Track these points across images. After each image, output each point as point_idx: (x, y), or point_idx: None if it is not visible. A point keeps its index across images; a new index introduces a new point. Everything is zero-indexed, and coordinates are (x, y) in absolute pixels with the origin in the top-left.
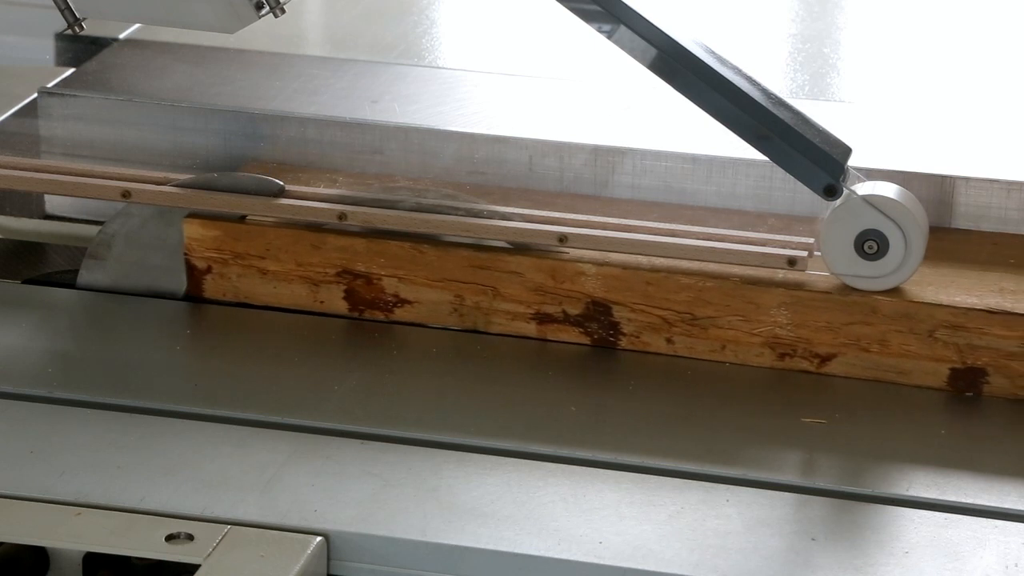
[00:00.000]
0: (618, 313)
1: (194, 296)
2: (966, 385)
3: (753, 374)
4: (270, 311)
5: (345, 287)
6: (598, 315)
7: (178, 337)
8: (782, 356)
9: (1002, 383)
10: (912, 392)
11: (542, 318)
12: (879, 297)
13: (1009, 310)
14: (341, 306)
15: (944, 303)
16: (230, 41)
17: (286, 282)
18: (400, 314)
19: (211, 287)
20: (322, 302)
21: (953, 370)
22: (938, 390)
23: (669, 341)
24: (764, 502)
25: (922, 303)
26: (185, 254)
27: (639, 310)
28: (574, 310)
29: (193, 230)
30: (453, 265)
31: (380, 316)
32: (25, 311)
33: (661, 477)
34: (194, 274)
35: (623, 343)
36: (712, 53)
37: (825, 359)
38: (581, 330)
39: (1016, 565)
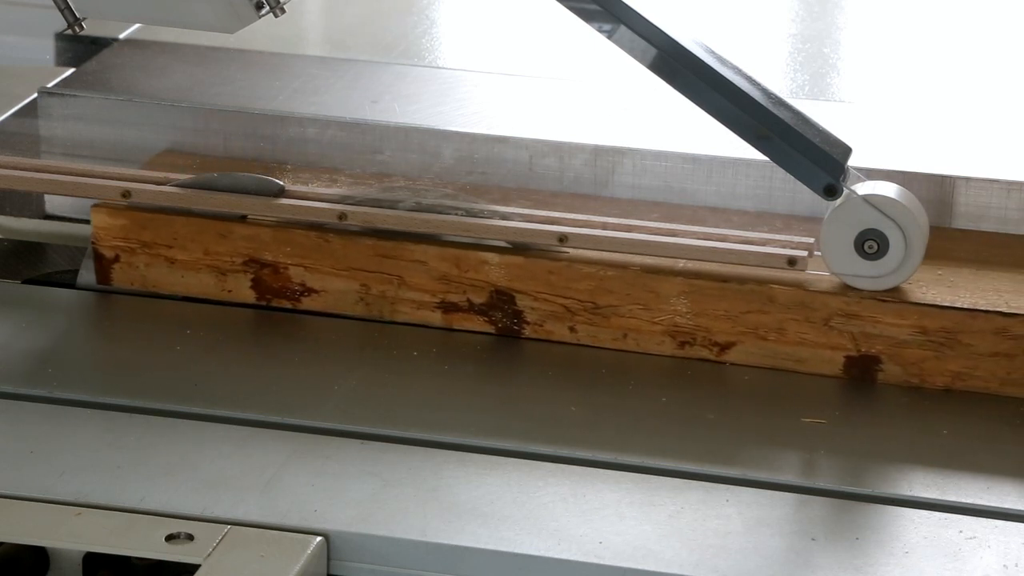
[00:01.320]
0: (521, 302)
1: (102, 285)
2: (861, 373)
3: (654, 363)
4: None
5: (252, 276)
6: (502, 304)
7: (178, 337)
8: (682, 344)
9: (895, 371)
10: (808, 380)
11: (447, 307)
12: (775, 286)
13: (901, 299)
14: (248, 295)
15: (839, 292)
16: (230, 41)
17: (194, 271)
18: (307, 303)
19: (119, 276)
20: (230, 291)
21: (848, 358)
22: (834, 378)
23: (572, 330)
24: (764, 502)
25: (817, 292)
26: (92, 243)
27: (542, 299)
28: (479, 299)
29: (100, 219)
30: (359, 254)
31: (287, 305)
32: (25, 311)
33: (661, 477)
34: (102, 263)
35: (527, 332)
36: (712, 53)
37: (724, 347)
38: (486, 319)
39: (1016, 565)
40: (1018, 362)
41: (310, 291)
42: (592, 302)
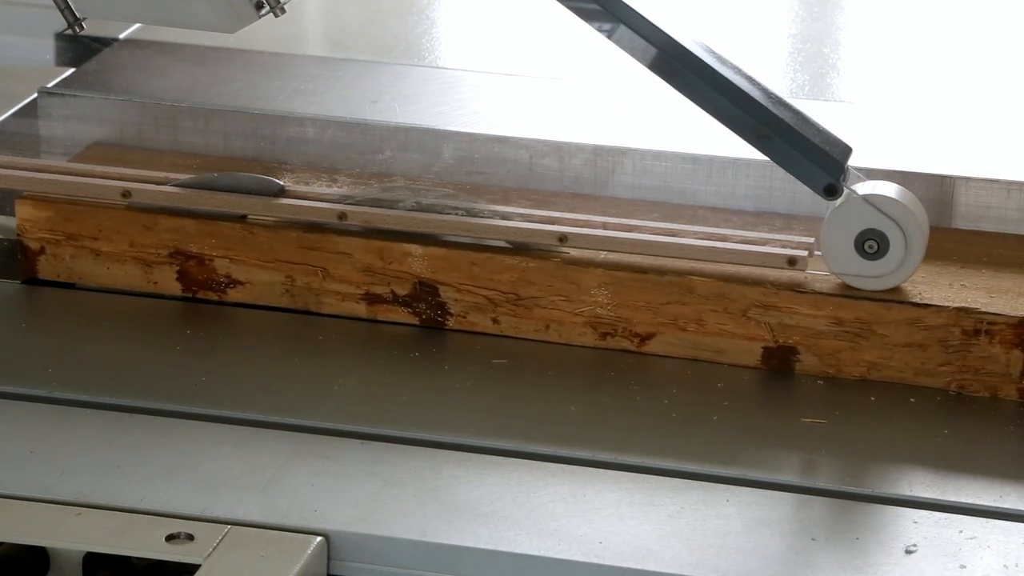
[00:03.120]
0: (445, 293)
1: (29, 277)
2: (779, 363)
3: (577, 353)
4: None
5: (178, 268)
6: (426, 295)
7: (178, 337)
8: (604, 335)
9: (812, 361)
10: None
11: (372, 299)
12: (695, 277)
13: (817, 290)
14: (174, 287)
15: (757, 283)
16: (230, 41)
17: (119, 263)
18: (233, 295)
19: (45, 268)
20: (156, 283)
21: (766, 348)
22: (753, 368)
23: (495, 321)
24: (764, 502)
25: (736, 283)
26: (18, 235)
27: (465, 290)
28: (402, 290)
29: (26, 211)
30: (283, 246)
31: (213, 297)
32: (25, 311)
33: (661, 477)
34: (28, 255)
35: (451, 323)
36: (712, 53)
37: (645, 338)
38: (410, 310)
39: (1016, 565)
40: (931, 352)
41: (235, 283)
42: (514, 293)
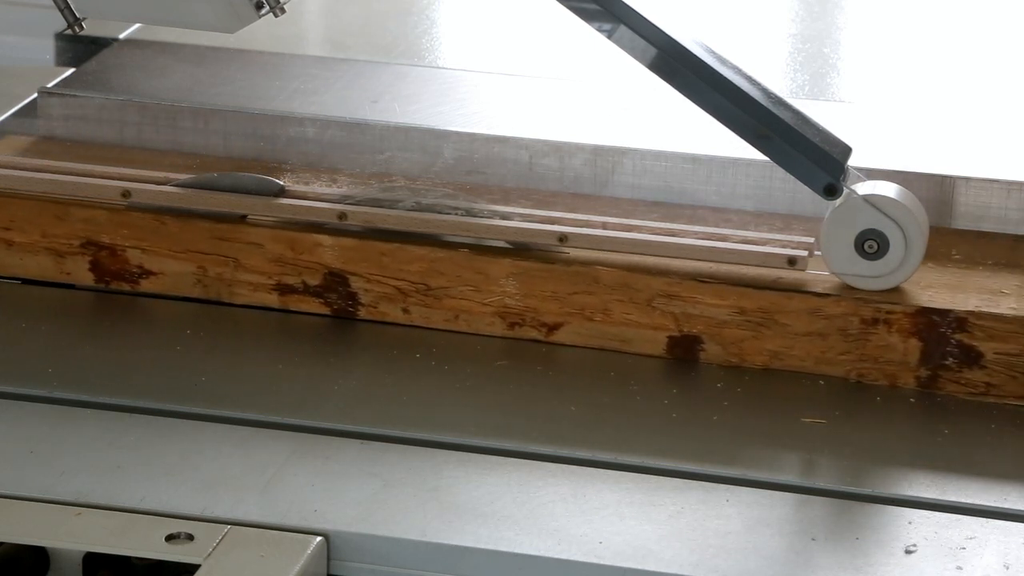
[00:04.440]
0: (355, 284)
1: None
2: (684, 352)
3: (486, 343)
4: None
5: (90, 258)
6: (336, 286)
7: (177, 337)
8: (512, 325)
9: (716, 350)
10: (634, 360)
11: (283, 289)
12: (601, 268)
13: (720, 280)
14: (87, 277)
15: (661, 273)
16: (230, 41)
17: (31, 253)
18: (146, 285)
19: None
20: (68, 273)
21: (671, 338)
22: (659, 357)
23: (405, 311)
24: (764, 502)
25: (640, 273)
26: None
27: (375, 280)
28: (313, 281)
29: None
30: (195, 236)
31: (126, 288)
32: (25, 311)
33: (661, 477)
34: None
35: (362, 313)
36: (712, 53)
37: (553, 328)
38: (321, 300)
39: (1016, 565)
40: (831, 341)
41: (148, 273)
42: (424, 284)
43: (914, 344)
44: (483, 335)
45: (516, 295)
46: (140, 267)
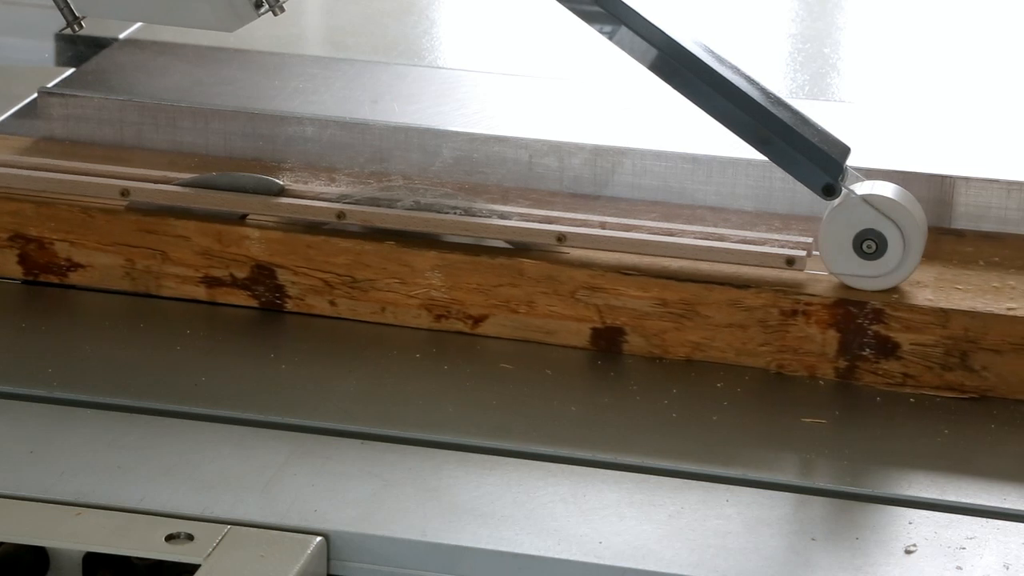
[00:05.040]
0: (282, 276)
1: None
2: (607, 344)
3: (412, 335)
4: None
5: (19, 251)
6: (263, 278)
7: (177, 336)
8: (438, 317)
9: (639, 342)
10: (558, 351)
11: (211, 281)
12: (525, 260)
13: (642, 271)
14: (16, 270)
15: (584, 265)
16: (230, 41)
17: None
18: (74, 278)
19: None
20: None
21: (594, 330)
22: (583, 349)
23: (332, 303)
24: (764, 502)
25: (564, 265)
26: None
27: (302, 273)
28: (241, 273)
29: None
30: (122, 229)
31: (55, 280)
32: (25, 311)
33: (661, 477)
34: None
35: (289, 305)
36: (712, 53)
37: (478, 320)
38: (249, 293)
39: (1015, 565)
40: (751, 333)
41: (76, 266)
42: (350, 276)
43: (832, 335)
44: (410, 327)
45: (442, 288)
46: (68, 260)
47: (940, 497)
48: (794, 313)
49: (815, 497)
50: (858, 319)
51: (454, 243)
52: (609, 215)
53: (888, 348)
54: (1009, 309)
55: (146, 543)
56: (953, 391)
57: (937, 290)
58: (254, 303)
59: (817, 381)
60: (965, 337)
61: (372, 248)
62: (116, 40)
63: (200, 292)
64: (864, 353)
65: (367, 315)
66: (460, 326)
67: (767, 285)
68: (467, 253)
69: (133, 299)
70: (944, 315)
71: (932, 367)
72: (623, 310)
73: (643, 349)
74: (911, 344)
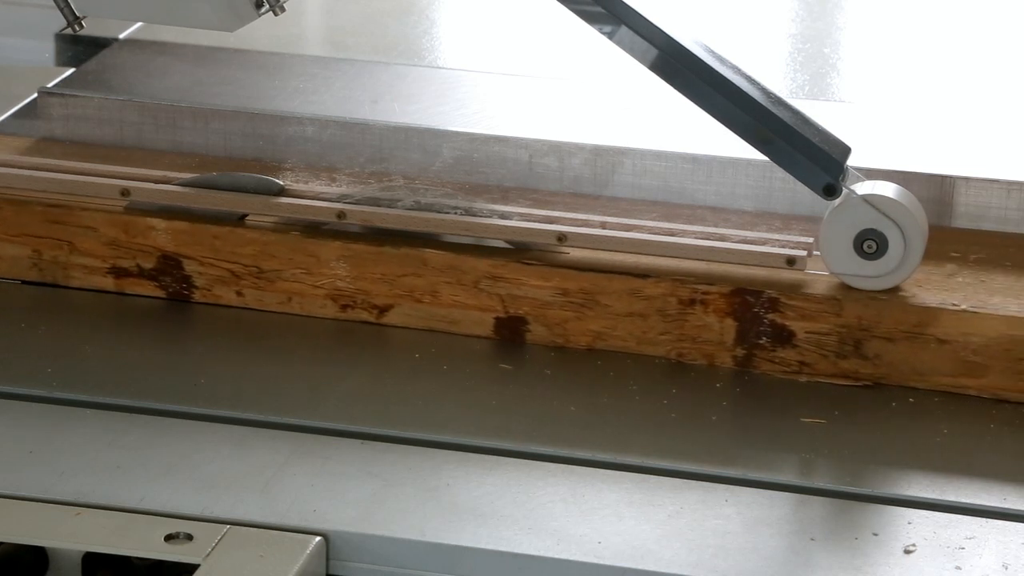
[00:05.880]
0: (189, 267)
1: None
2: (510, 334)
3: (318, 325)
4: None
5: None
6: (170, 269)
7: (176, 336)
8: (344, 307)
9: (541, 331)
10: (464, 341)
11: (118, 272)
12: (428, 250)
13: (544, 261)
14: None
15: (487, 255)
16: (230, 41)
17: None
18: None
19: None
20: None
21: (498, 319)
22: (487, 338)
23: (239, 294)
24: (763, 502)
25: (467, 255)
26: None
27: (208, 263)
28: (147, 264)
29: None
30: (29, 220)
31: None
32: (25, 311)
33: (660, 477)
34: None
35: (196, 296)
36: (712, 53)
37: (383, 310)
38: (156, 284)
39: (1015, 565)
40: (651, 322)
41: None
42: (256, 266)
43: (730, 324)
44: (316, 317)
45: (347, 278)
46: None
47: (939, 497)
48: (692, 302)
49: (814, 497)
50: (754, 308)
51: (358, 233)
52: (609, 215)
53: (784, 336)
54: (903, 297)
55: (145, 543)
56: (848, 379)
57: (832, 279)
58: (161, 293)
59: (717, 369)
60: (859, 325)
61: (278, 239)
62: (116, 40)
63: (108, 283)
64: (761, 342)
65: (274, 305)
66: (366, 316)
67: (665, 274)
68: (371, 243)
69: (133, 299)
70: (838, 304)
71: (827, 355)
72: (525, 299)
73: (545, 338)
74: (806, 332)
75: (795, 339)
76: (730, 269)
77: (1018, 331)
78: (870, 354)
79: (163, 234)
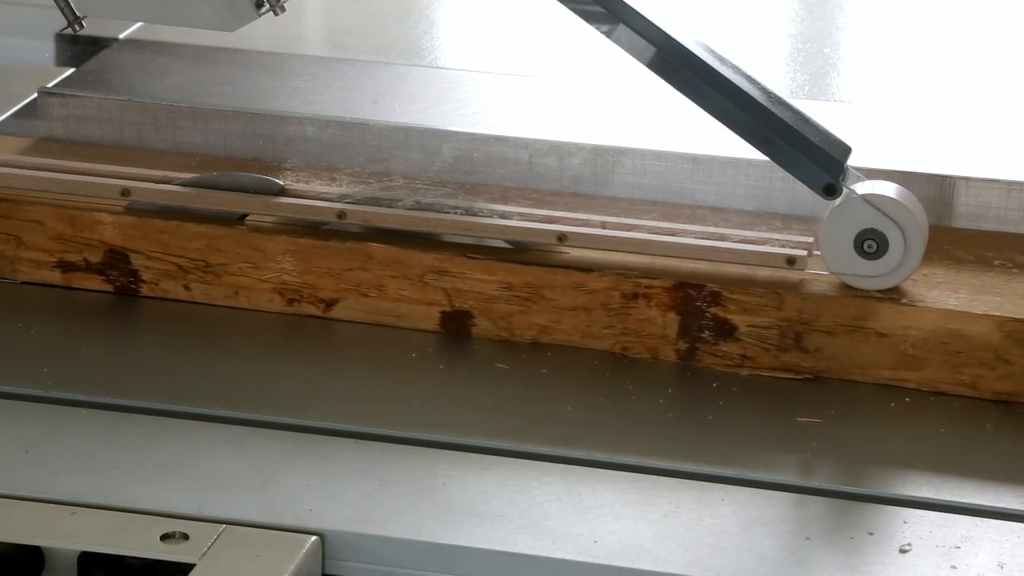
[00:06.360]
0: (136, 261)
1: None
2: (456, 327)
3: (266, 319)
4: None
5: None
6: (117, 263)
7: (173, 336)
8: (291, 301)
9: (487, 325)
10: (409, 335)
11: (65, 266)
12: (374, 244)
13: (489, 256)
14: None
15: (432, 249)
16: (230, 41)
17: None
18: None
19: None
20: None
21: (443, 313)
22: (433, 332)
23: (186, 288)
24: (759, 501)
25: (412, 250)
26: None
27: (155, 257)
28: (95, 258)
29: None
30: None
31: None
32: (22, 311)
33: (656, 477)
34: None
35: (144, 290)
36: (712, 52)
37: (330, 304)
38: (103, 278)
39: (1010, 564)
40: (595, 315)
41: None
42: (203, 260)
43: (672, 318)
44: (264, 311)
45: (293, 272)
46: None
47: (935, 497)
48: (635, 296)
49: (810, 496)
50: (697, 302)
51: (304, 227)
52: (610, 215)
53: (726, 330)
54: (843, 291)
55: (141, 542)
56: (789, 372)
57: (775, 271)
58: (109, 287)
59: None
60: (799, 319)
61: (224, 233)
62: (116, 40)
63: (55, 276)
64: (704, 335)
65: (221, 299)
66: (312, 310)
67: (609, 269)
68: (317, 237)
69: (130, 300)
70: (779, 298)
71: (768, 349)
72: (470, 294)
73: (491, 332)
74: (748, 326)
75: (737, 333)
76: (672, 263)
77: (955, 324)
78: (811, 348)
79: (110, 228)
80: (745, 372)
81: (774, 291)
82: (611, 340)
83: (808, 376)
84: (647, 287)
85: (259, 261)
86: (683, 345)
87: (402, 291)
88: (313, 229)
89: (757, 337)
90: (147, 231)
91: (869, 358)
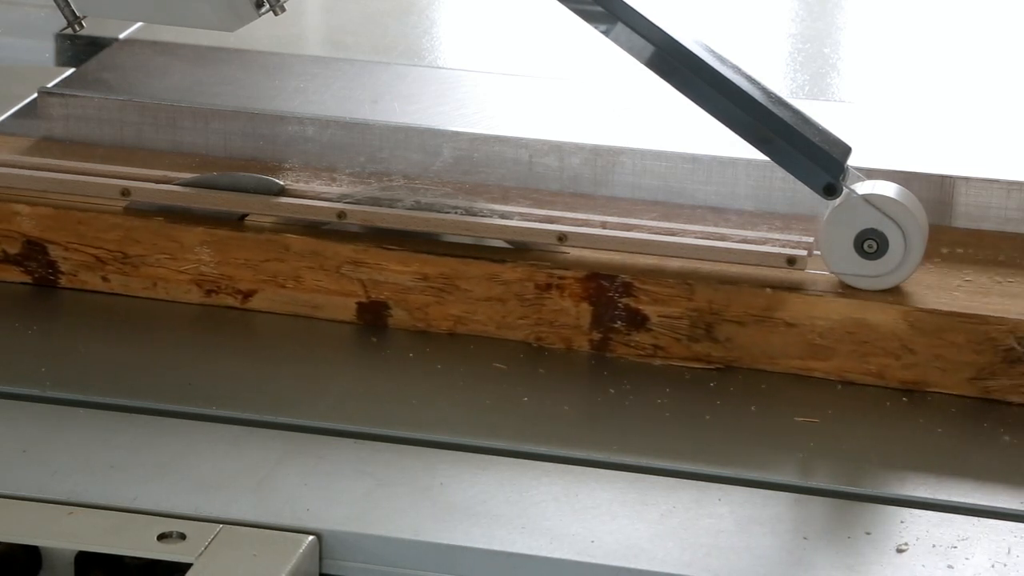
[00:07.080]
0: (54, 252)
1: None
2: (373, 318)
3: (184, 310)
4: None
5: None
6: (35, 254)
7: (171, 336)
8: (209, 293)
9: (403, 316)
10: (327, 326)
11: None
12: (291, 236)
13: (404, 247)
14: None
15: (348, 240)
16: (230, 41)
17: None
18: None
19: None
20: None
21: (360, 304)
22: (351, 323)
23: (105, 279)
24: (756, 501)
25: (328, 240)
26: None
27: (73, 249)
28: (13, 249)
29: None
30: None
31: None
32: (20, 311)
33: (654, 476)
34: None
35: (63, 281)
36: (711, 52)
37: (248, 295)
38: (22, 269)
39: (1007, 564)
40: (510, 306)
41: None
42: (121, 252)
43: (585, 308)
44: (182, 302)
45: (211, 263)
46: None
47: (932, 496)
48: (549, 287)
49: (807, 496)
50: (609, 292)
51: (221, 219)
52: (610, 215)
53: (638, 320)
54: (753, 282)
55: (138, 542)
56: (700, 362)
57: (687, 263)
58: (28, 279)
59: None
60: (709, 309)
61: (141, 224)
62: (116, 40)
63: None
64: (616, 326)
65: (139, 290)
66: (230, 301)
67: (522, 260)
68: (234, 229)
69: (130, 300)
70: (689, 288)
71: (680, 338)
72: (386, 284)
73: (407, 323)
74: (659, 316)
75: (649, 323)
76: (585, 254)
77: (860, 314)
78: (721, 337)
79: (27, 219)
80: (657, 362)
81: (684, 281)
82: (526, 331)
83: (720, 366)
84: (560, 278)
85: (176, 252)
86: (596, 335)
87: (319, 282)
88: (229, 220)
89: (668, 327)
90: (64, 222)
91: (779, 348)
